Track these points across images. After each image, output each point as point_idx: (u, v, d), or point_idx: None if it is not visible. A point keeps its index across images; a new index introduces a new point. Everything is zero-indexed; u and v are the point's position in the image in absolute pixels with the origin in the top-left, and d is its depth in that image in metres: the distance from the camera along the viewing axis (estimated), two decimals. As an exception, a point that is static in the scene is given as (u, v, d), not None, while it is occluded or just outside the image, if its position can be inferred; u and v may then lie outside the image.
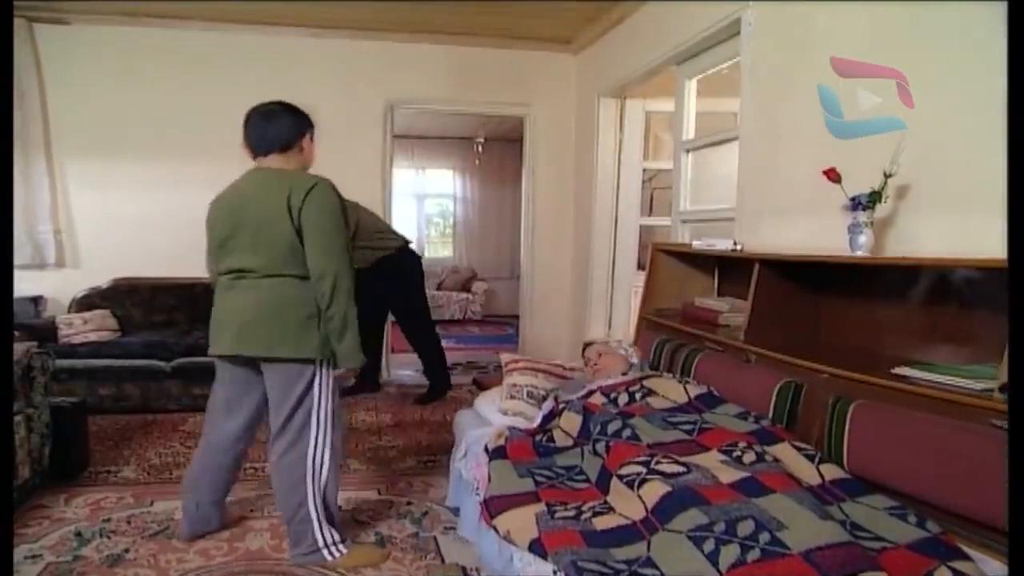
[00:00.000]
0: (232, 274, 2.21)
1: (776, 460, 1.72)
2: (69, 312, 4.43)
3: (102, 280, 4.58)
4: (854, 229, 2.10)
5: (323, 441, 2.21)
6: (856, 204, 2.09)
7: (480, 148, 8.98)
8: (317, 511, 2.20)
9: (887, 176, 2.04)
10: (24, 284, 4.51)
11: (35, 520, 2.51)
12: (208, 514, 2.39)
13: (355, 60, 4.86)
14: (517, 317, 8.89)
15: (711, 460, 1.73)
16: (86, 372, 3.94)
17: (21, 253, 4.47)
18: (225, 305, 2.23)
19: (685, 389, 2.20)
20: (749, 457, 1.72)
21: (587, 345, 2.81)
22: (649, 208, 5.04)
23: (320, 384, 2.19)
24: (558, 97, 5.20)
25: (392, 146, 5.08)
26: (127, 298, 4.55)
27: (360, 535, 2.47)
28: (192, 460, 2.44)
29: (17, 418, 2.56)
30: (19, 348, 2.67)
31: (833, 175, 2.17)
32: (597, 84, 4.74)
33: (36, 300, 4.51)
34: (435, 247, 9.78)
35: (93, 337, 4.17)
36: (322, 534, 2.22)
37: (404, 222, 8.75)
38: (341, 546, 2.24)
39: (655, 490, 1.58)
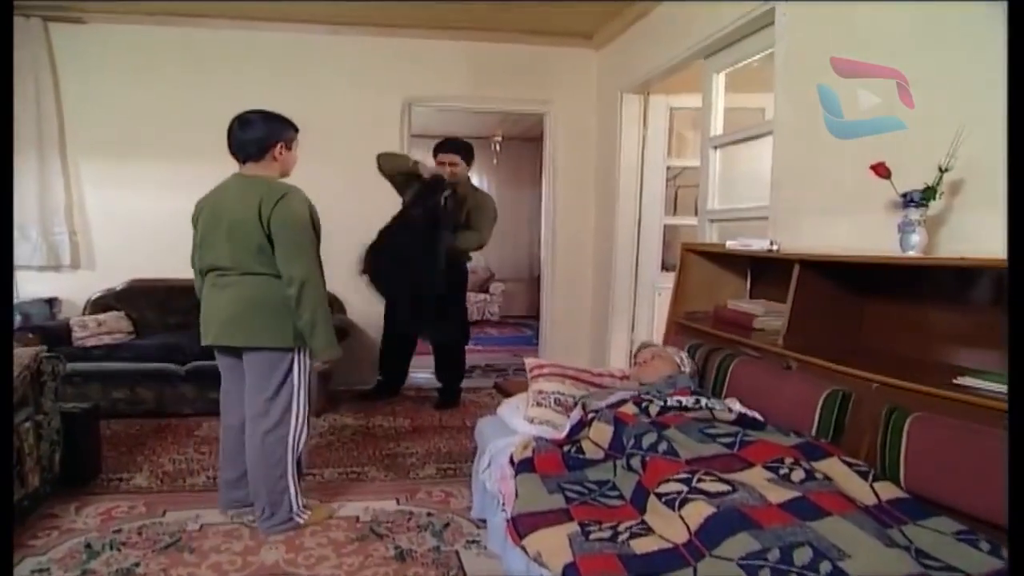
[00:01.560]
0: (213, 272, 2.45)
1: (827, 478, 1.59)
2: (84, 314, 4.38)
3: (117, 281, 4.52)
4: (905, 227, 1.96)
5: (303, 421, 2.48)
6: (908, 201, 1.95)
7: (498, 147, 8.86)
8: (294, 483, 2.47)
9: (942, 171, 1.90)
10: (39, 285, 4.49)
11: (44, 531, 2.43)
12: (237, 490, 2.56)
13: (372, 57, 4.77)
14: (535, 318, 8.79)
15: (756, 477, 1.60)
16: (100, 375, 3.87)
17: (36, 254, 4.43)
18: (211, 300, 2.47)
19: (712, 414, 2.04)
20: (798, 474, 1.59)
21: (644, 345, 2.70)
22: (673, 207, 4.89)
23: (299, 371, 2.44)
24: (579, 94, 5.07)
25: (409, 145, 4.98)
26: (142, 300, 4.49)
27: (379, 548, 2.37)
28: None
29: (26, 425, 2.48)
30: (28, 353, 2.59)
31: (882, 170, 2.03)
32: (620, 80, 4.62)
33: (51, 302, 4.47)
34: (452, 247, 9.66)
35: (107, 339, 4.11)
36: (294, 502, 2.48)
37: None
38: (305, 511, 2.53)
39: (699, 511, 1.45)
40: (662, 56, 4.02)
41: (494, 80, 4.96)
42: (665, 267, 4.72)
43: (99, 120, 4.52)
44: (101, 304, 4.42)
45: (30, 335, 3.84)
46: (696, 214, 4.70)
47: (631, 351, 4.88)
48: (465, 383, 4.60)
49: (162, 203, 4.56)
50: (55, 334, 4.00)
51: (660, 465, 1.68)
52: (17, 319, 4.07)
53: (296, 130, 2.52)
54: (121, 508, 2.65)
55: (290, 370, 2.42)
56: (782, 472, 1.61)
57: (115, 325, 4.24)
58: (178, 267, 4.50)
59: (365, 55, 4.76)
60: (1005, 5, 1.50)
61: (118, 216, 4.60)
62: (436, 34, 4.76)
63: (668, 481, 1.60)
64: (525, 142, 8.99)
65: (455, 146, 4.18)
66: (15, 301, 4.18)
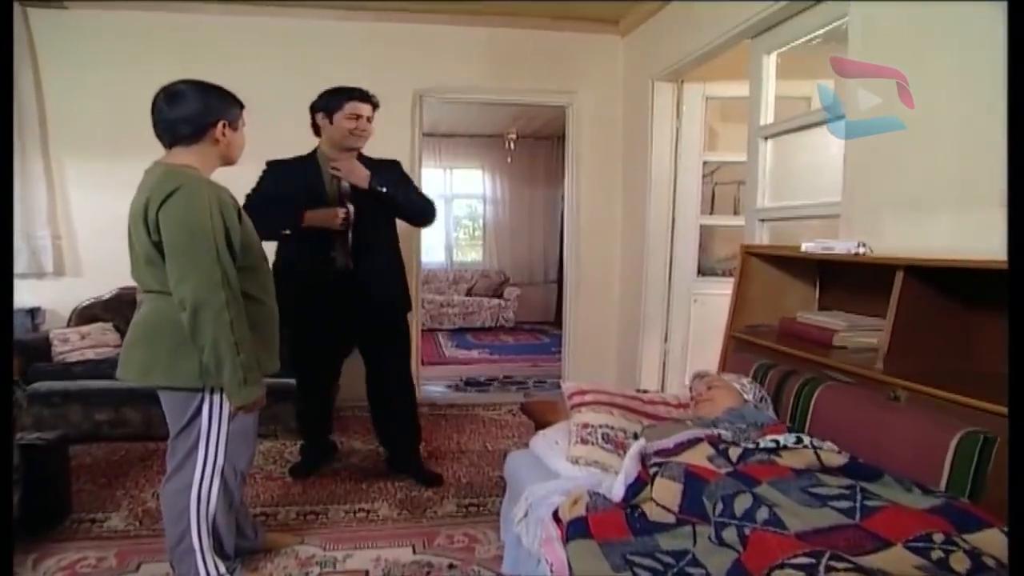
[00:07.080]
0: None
1: (1001, 564, 1.18)
2: (69, 325, 4.02)
3: (105, 290, 4.16)
4: (1059, 225, 1.55)
5: (211, 473, 2.01)
6: (1063, 192, 1.54)
7: (512, 145, 8.47)
8: (202, 542, 2.03)
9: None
10: (20, 295, 4.09)
11: (-7, 593, 2.05)
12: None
13: (382, 45, 4.37)
14: (552, 324, 8.42)
15: (902, 564, 1.19)
16: (81, 395, 3.51)
17: (17, 260, 4.06)
18: None
19: (817, 456, 1.63)
20: (960, 561, 1.18)
21: (696, 376, 2.29)
22: (710, 206, 4.48)
23: (210, 414, 1.96)
24: (605, 84, 4.66)
25: (420, 141, 4.59)
26: (132, 310, 4.07)
27: (392, 616, 1.98)
28: None
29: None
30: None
31: None
32: (650, 67, 4.21)
33: (33, 312, 4.10)
34: (464, 250, 9.35)
35: (91, 354, 3.73)
36: (206, 567, 2.04)
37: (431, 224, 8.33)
38: None
39: (839, 620, 1.05)
40: (700, 38, 3.62)
41: (512, 70, 4.56)
42: (701, 272, 4.31)
43: (84, 115, 4.15)
44: (87, 314, 4.06)
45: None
46: (735, 213, 4.33)
47: (664, 364, 4.48)
48: (484, 398, 4.20)
49: (153, 204, 4.19)
50: (33, 348, 3.65)
51: (768, 542, 1.27)
52: (-7, 332, 3.71)
53: (242, 107, 2.05)
54: (88, 560, 2.26)
55: (198, 413, 1.95)
56: (935, 556, 1.20)
57: (100, 338, 3.86)
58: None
59: (375, 43, 4.36)
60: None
61: (106, 219, 4.14)
62: (451, 20, 4.37)
63: (783, 567, 1.19)
64: (540, 140, 8.62)
65: (367, 94, 2.95)
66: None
